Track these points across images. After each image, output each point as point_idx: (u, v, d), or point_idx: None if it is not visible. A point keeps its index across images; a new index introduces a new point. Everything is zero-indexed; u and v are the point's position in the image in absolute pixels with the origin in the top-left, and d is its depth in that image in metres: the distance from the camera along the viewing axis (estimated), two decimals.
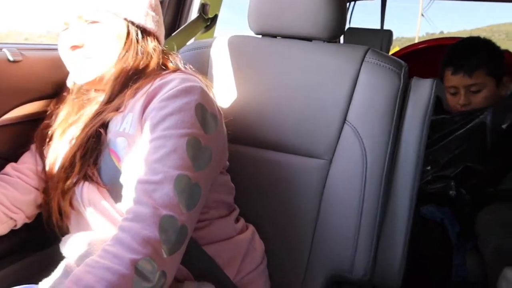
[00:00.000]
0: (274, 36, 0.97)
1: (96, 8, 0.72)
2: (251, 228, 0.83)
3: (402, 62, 0.89)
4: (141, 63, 0.73)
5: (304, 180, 0.87)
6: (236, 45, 0.97)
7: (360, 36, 2.05)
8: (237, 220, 0.80)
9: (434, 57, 1.48)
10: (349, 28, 2.21)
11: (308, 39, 0.94)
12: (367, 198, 0.83)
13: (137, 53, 0.74)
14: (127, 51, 0.73)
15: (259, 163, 0.91)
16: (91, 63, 0.72)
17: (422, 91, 0.86)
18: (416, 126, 0.85)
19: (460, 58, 1.32)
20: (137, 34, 0.74)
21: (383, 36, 1.96)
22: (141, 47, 0.74)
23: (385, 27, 2.05)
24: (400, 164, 0.85)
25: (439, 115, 1.35)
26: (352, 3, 2.41)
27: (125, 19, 0.74)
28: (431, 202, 1.28)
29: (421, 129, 0.85)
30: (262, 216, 0.89)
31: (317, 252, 0.86)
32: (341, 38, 2.22)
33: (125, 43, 0.73)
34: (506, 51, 1.75)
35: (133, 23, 0.74)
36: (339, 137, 0.86)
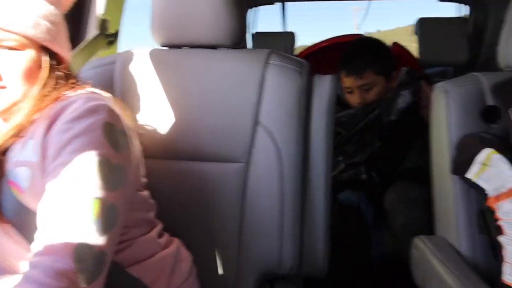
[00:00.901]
0: (179, 47, 0.98)
1: (17, 34, 0.66)
2: (176, 241, 0.82)
3: (304, 61, 0.94)
4: (57, 91, 0.70)
5: (224, 185, 0.89)
6: (142, 59, 0.96)
7: (268, 40, 2.14)
8: (160, 236, 0.79)
9: (338, 54, 1.59)
10: (257, 33, 2.28)
11: (213, 47, 0.96)
12: (286, 194, 0.87)
13: (56, 83, 0.70)
14: (47, 81, 0.68)
15: (178, 175, 0.91)
16: (6, 94, 0.66)
17: (324, 87, 0.93)
18: (323, 120, 0.91)
19: (350, 61, 1.44)
20: (57, 63, 0.71)
21: (286, 38, 2.06)
22: (59, 74, 0.71)
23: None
24: (312, 158, 0.91)
25: (342, 109, 1.46)
26: (258, 8, 2.48)
27: (46, 47, 0.69)
28: (346, 189, 1.38)
29: (327, 122, 0.92)
30: (187, 227, 0.89)
31: (245, 254, 0.88)
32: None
33: (47, 72, 0.69)
34: (396, 44, 1.94)
35: (53, 52, 0.70)
36: (253, 139, 0.88)
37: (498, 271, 0.72)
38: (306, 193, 0.90)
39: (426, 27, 1.90)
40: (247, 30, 2.38)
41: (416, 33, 1.92)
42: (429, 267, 0.84)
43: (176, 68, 0.94)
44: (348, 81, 1.45)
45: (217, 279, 0.88)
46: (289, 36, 2.16)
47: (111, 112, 0.67)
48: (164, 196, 0.86)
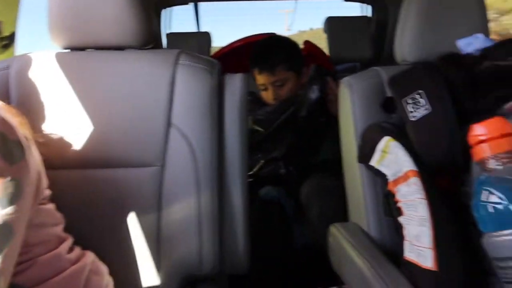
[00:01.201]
0: (82, 49, 0.93)
1: None
2: (89, 254, 0.78)
3: (214, 60, 0.94)
4: None
5: (139, 191, 0.86)
6: (42, 62, 0.89)
7: (182, 40, 2.11)
8: (70, 250, 0.74)
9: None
10: (171, 34, 2.24)
11: (120, 48, 0.92)
12: (203, 194, 0.86)
13: None
14: None
15: (88, 184, 0.86)
16: None
17: (235, 85, 0.94)
18: (236, 118, 0.92)
19: (262, 58, 1.47)
20: None
21: (201, 38, 2.06)
22: None
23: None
24: (228, 156, 0.91)
25: (260, 107, 1.49)
26: (171, 8, 2.44)
27: None
28: (266, 184, 1.41)
29: (240, 120, 0.93)
30: (101, 238, 0.84)
31: (165, 260, 0.86)
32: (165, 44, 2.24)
33: None
34: (308, 42, 2.01)
35: None
36: (167, 142, 0.87)
37: (402, 250, 0.78)
38: (223, 192, 0.90)
39: (334, 26, 2.00)
40: (163, 30, 2.35)
41: (325, 31, 2.01)
42: (343, 252, 0.88)
43: (80, 72, 0.89)
44: (261, 78, 1.49)
45: None
46: (205, 37, 2.16)
47: (2, 121, 0.61)
48: (73, 207, 0.81)
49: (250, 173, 1.39)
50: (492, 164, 0.39)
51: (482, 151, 0.39)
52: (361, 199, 0.92)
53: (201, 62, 0.91)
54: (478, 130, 0.40)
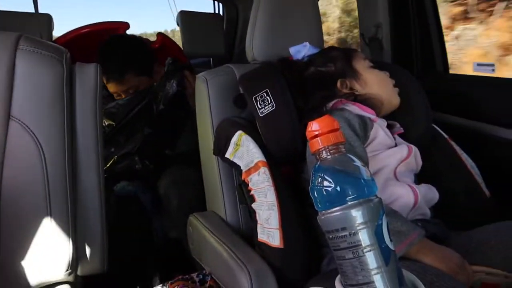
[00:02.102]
0: None
1: None
2: None
3: (62, 48, 0.87)
4: None
5: None
6: None
7: (11, 21, 1.80)
8: None
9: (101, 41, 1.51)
10: None
11: None
12: (53, 195, 0.80)
13: None
14: None
15: None
16: None
17: (87, 76, 0.88)
18: (89, 111, 0.87)
19: (108, 67, 1.35)
20: None
21: (40, 21, 1.82)
22: None
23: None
24: (81, 152, 0.86)
25: (112, 100, 1.43)
26: None
27: None
28: (122, 180, 1.37)
29: (94, 113, 0.88)
30: None
31: (9, 272, 0.76)
32: None
33: None
34: (161, 34, 1.99)
35: None
36: (6, 137, 0.78)
37: (256, 233, 0.87)
38: (76, 189, 0.85)
39: (186, 20, 2.03)
40: None
41: (178, 24, 2.02)
42: (203, 240, 0.93)
43: None
44: (111, 87, 1.42)
45: None
46: (45, 19, 1.90)
47: None
48: None
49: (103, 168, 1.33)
50: (324, 154, 0.47)
51: (317, 144, 0.48)
52: (218, 189, 0.97)
53: (47, 48, 0.83)
54: (313, 126, 0.48)
